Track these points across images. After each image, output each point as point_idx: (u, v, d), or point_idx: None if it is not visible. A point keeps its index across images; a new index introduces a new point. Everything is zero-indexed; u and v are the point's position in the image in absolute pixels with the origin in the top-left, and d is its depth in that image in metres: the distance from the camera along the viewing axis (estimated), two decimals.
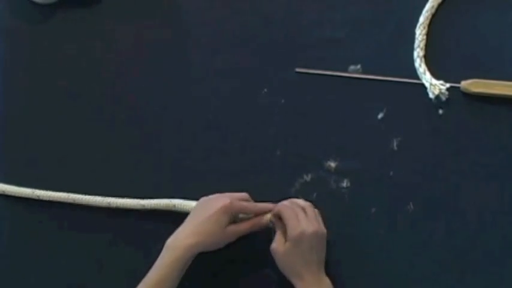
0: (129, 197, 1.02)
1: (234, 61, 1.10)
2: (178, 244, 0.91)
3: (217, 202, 0.93)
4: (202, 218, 0.92)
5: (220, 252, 0.94)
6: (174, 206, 1.00)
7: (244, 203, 0.95)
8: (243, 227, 0.94)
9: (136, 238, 1.02)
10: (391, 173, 1.02)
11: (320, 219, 0.95)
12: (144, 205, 1.01)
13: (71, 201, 1.03)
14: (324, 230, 0.93)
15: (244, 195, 0.97)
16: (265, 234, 0.96)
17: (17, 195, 1.05)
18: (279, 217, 0.94)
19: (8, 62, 1.14)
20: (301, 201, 0.96)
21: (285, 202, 0.96)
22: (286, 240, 0.91)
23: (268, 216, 0.95)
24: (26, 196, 1.04)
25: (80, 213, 1.03)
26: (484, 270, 0.97)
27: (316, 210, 0.96)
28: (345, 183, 1.02)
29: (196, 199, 0.97)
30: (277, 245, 0.92)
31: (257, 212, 0.96)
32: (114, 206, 1.02)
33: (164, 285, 0.90)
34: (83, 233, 1.04)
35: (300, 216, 0.92)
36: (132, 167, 1.06)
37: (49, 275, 1.03)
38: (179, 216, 0.95)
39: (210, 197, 0.96)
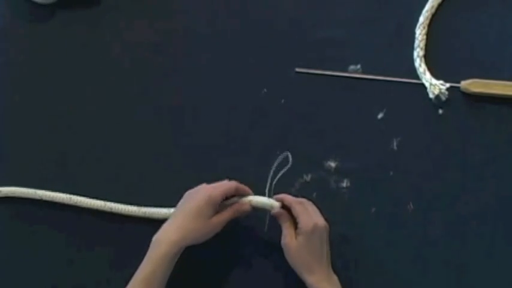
0: (132, 201, 1.02)
1: (233, 61, 1.10)
2: (164, 240, 0.90)
3: (198, 195, 0.93)
4: (186, 212, 0.92)
5: (213, 251, 0.96)
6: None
7: (223, 188, 0.94)
8: (225, 216, 0.93)
9: (135, 241, 1.02)
10: (391, 173, 1.02)
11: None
12: (145, 213, 1.01)
13: (73, 203, 1.03)
14: (327, 224, 0.94)
15: (227, 183, 0.95)
16: (260, 233, 0.97)
17: (19, 195, 1.04)
18: (285, 211, 0.94)
19: (8, 62, 1.13)
20: (297, 198, 0.96)
21: (285, 196, 0.96)
22: (296, 235, 0.91)
23: (249, 198, 0.95)
24: (28, 196, 1.04)
25: (81, 215, 1.03)
26: (484, 269, 0.97)
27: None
28: (345, 183, 1.02)
29: None
30: (289, 239, 0.91)
31: (237, 192, 0.95)
32: (116, 211, 1.02)
33: (152, 282, 0.88)
34: (83, 235, 1.03)
35: (310, 210, 0.93)
36: (137, 171, 1.06)
37: (46, 275, 1.02)
38: None
39: (194, 189, 0.95)
